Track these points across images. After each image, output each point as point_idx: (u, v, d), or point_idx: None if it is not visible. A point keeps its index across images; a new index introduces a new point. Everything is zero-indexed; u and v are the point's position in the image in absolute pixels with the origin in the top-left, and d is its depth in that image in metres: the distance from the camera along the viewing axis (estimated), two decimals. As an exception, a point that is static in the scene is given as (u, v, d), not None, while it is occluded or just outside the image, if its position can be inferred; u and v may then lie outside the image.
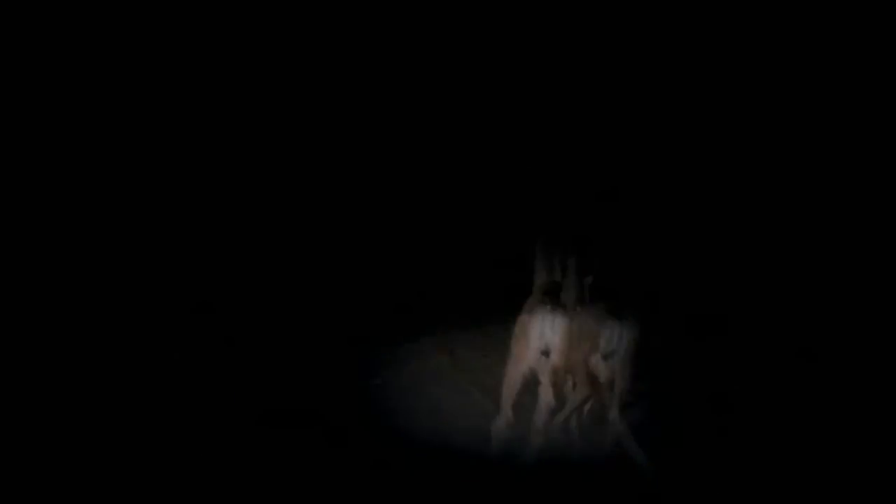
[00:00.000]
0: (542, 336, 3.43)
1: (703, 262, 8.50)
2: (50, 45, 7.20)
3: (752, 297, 7.41)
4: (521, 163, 12.17)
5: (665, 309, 7.41)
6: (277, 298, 7.58)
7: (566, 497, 3.33)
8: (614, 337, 3.57)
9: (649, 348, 5.90)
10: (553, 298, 3.67)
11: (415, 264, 11.10)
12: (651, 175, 9.58)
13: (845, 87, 7.90)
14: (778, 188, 8.46)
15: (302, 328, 6.65)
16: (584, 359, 3.59)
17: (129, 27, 7.69)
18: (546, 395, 3.43)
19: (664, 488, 3.43)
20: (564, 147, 10.79)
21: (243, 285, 8.24)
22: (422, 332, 6.71)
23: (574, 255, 4.10)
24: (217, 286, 7.69)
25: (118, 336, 4.96)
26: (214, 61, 9.03)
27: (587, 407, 3.75)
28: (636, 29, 9.92)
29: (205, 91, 8.90)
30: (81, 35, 7.21)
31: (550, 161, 10.80)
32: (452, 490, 3.32)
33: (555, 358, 3.40)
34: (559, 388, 3.53)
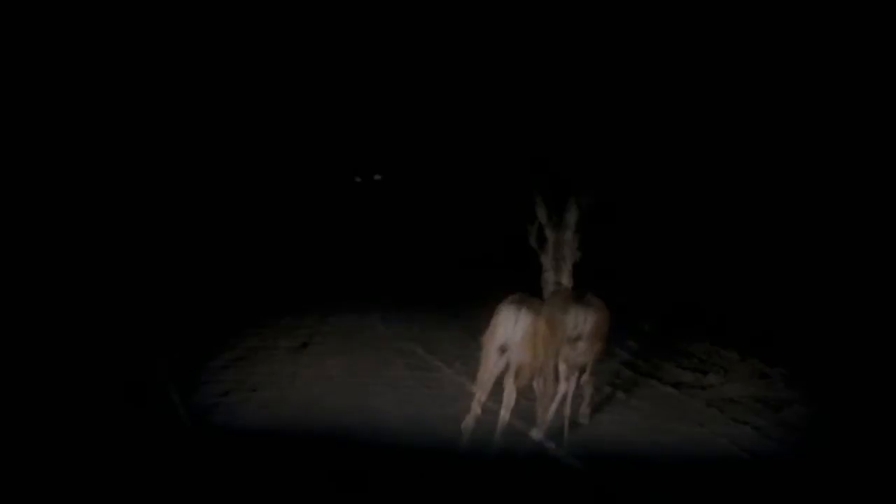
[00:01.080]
0: (504, 333, 3.52)
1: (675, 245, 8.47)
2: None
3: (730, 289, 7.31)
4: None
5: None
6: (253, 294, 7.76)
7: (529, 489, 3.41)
8: (579, 321, 3.82)
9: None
10: (523, 296, 3.73)
11: (392, 259, 11.19)
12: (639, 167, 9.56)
13: (814, 94, 7.90)
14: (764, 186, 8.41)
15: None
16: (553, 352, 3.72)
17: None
18: (509, 390, 3.56)
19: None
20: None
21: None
22: (396, 320, 6.96)
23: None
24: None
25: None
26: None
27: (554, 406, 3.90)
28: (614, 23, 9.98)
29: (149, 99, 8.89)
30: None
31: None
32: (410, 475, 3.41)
33: (514, 354, 3.51)
34: (523, 385, 3.62)
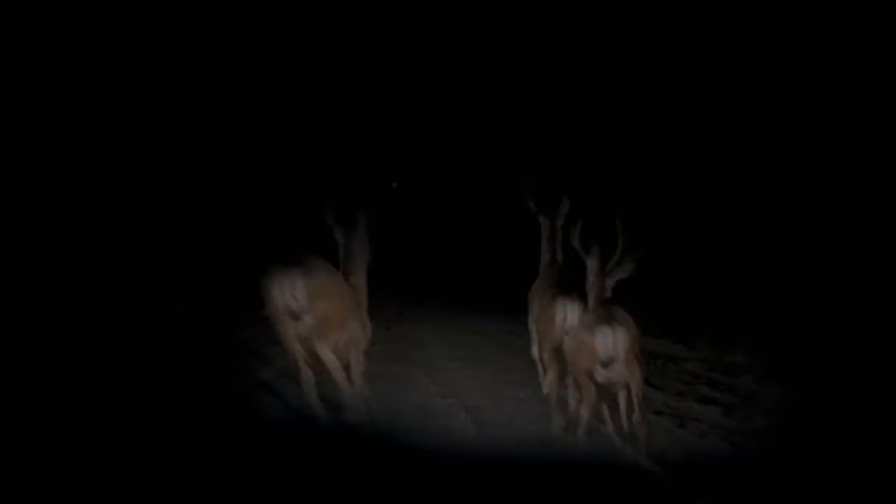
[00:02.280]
0: (605, 348, 3.52)
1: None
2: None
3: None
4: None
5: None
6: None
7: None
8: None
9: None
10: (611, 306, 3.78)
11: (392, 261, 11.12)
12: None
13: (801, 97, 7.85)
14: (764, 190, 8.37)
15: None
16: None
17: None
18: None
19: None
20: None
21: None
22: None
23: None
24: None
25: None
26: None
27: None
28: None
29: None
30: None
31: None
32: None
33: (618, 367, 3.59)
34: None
